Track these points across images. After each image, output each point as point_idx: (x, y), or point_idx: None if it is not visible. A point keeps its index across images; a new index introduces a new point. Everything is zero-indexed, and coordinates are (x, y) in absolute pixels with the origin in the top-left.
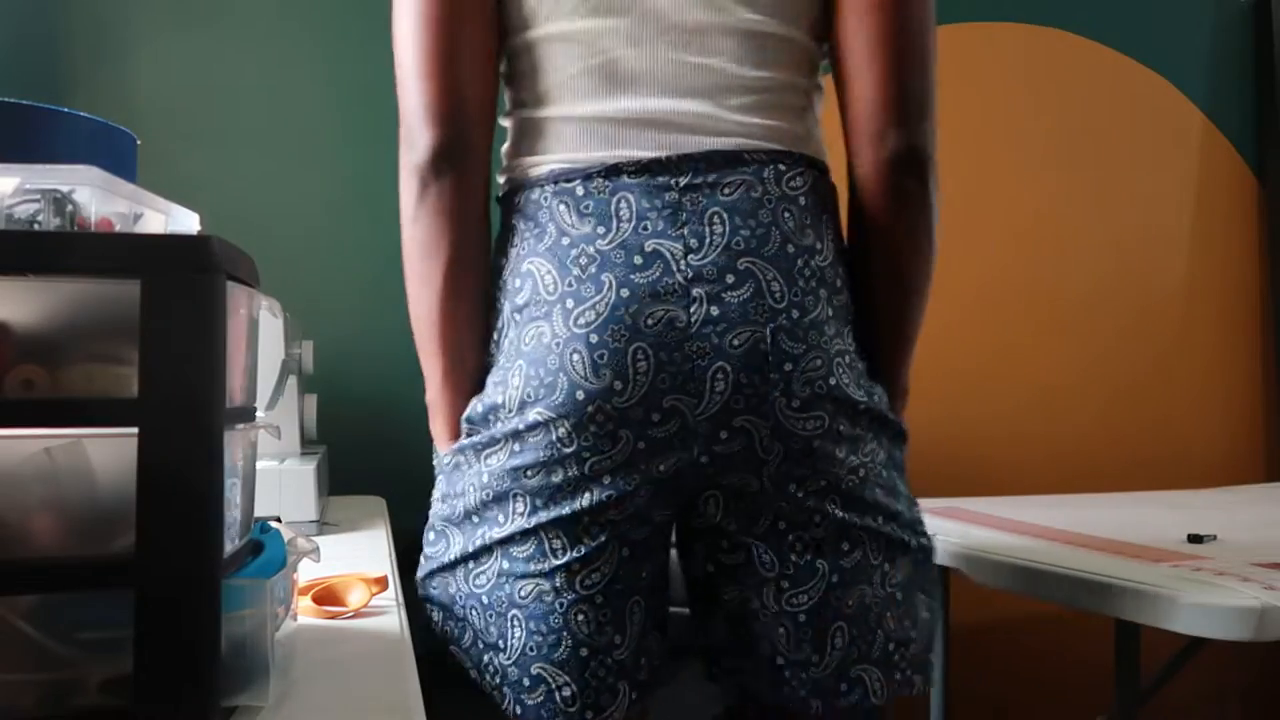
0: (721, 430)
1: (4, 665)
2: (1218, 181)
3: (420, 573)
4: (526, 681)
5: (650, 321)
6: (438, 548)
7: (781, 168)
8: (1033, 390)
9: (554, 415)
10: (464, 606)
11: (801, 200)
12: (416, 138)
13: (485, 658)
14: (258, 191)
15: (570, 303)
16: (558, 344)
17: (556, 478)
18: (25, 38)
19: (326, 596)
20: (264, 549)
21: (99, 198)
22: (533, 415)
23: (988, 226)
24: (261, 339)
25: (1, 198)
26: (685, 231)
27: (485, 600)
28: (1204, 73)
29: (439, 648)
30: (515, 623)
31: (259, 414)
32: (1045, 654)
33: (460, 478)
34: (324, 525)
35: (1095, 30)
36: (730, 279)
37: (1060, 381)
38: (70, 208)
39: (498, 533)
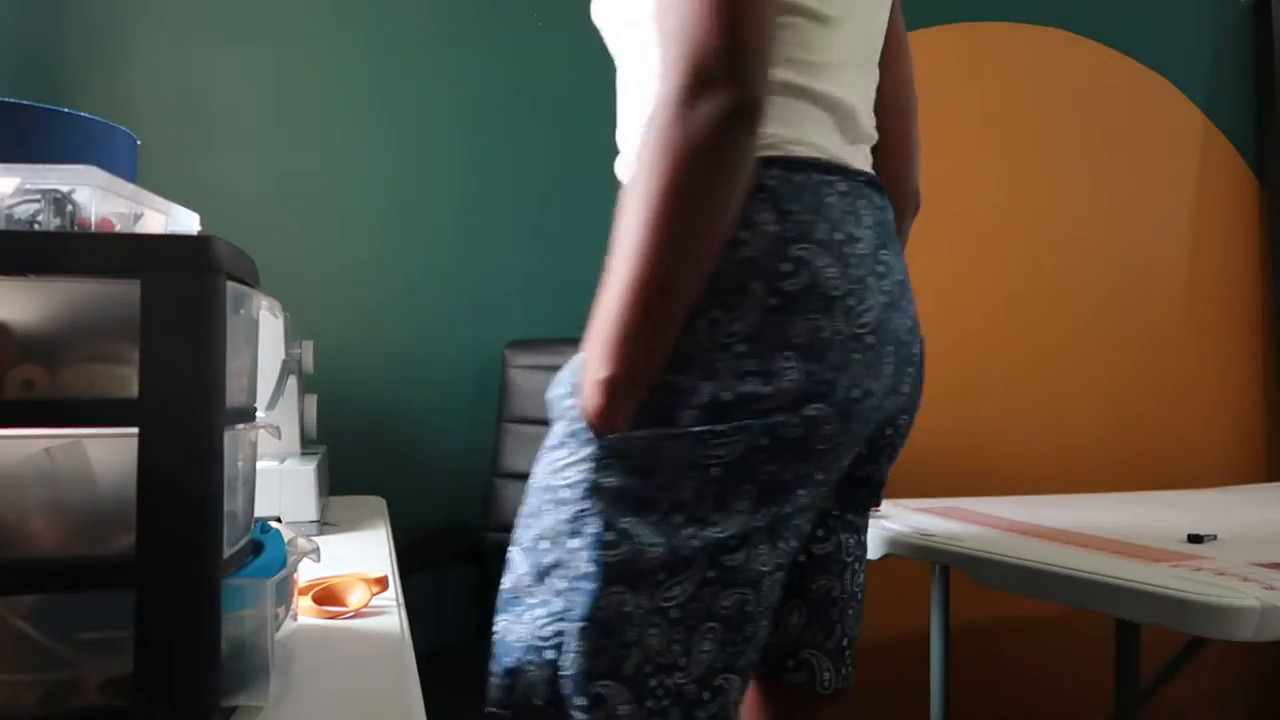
0: (888, 427)
1: (4, 665)
2: (1218, 181)
3: (592, 584)
4: (706, 695)
5: (892, 328)
6: (620, 551)
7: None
8: (1032, 390)
9: (831, 412)
10: (640, 627)
11: None
12: (735, 76)
13: (653, 683)
14: (258, 191)
15: (852, 302)
16: (839, 342)
17: (789, 475)
18: (25, 38)
19: (326, 596)
20: (264, 549)
21: (99, 198)
22: (809, 411)
23: (987, 227)
24: (261, 339)
25: (1, 198)
26: (890, 249)
27: (675, 615)
28: (1204, 73)
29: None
30: (709, 635)
31: (259, 414)
32: (1045, 654)
33: (659, 466)
34: (324, 525)
35: (1095, 30)
36: (908, 294)
37: (1060, 381)
38: (70, 208)
39: (713, 533)
